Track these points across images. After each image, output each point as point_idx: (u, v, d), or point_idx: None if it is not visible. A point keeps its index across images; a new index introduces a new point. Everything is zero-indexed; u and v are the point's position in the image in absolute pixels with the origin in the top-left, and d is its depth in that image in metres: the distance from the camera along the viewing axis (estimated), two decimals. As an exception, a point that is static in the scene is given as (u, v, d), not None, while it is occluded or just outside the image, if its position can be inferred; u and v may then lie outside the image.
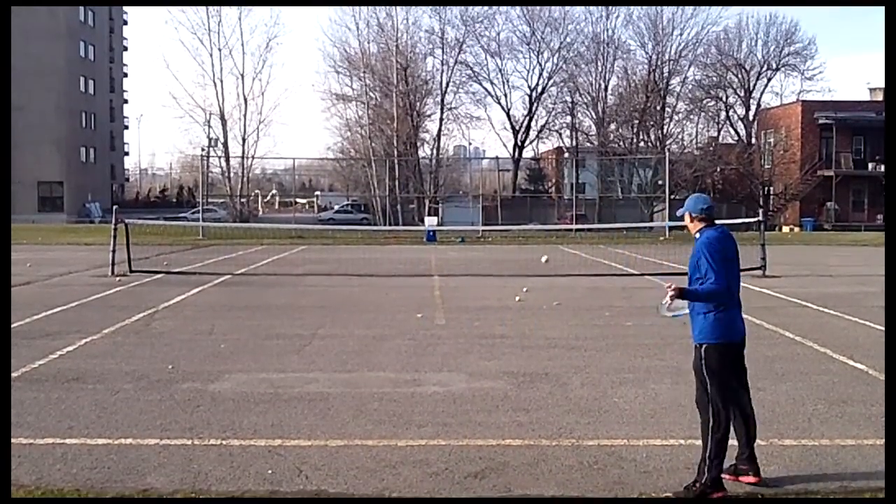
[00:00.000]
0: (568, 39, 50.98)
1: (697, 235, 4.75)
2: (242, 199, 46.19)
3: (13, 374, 7.24)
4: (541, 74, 51.99)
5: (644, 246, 27.81)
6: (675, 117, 50.98)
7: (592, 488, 4.64)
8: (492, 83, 52.69)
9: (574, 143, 51.61)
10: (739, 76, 52.78)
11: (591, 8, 51.43)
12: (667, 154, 40.40)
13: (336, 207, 56.61)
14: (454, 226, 37.96)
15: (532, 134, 54.13)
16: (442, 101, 48.85)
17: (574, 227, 36.60)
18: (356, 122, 47.20)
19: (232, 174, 45.19)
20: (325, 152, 60.73)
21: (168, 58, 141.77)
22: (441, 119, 48.96)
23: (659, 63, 49.44)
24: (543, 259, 15.75)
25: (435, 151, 48.88)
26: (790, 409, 6.31)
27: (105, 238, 20.34)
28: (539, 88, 52.00)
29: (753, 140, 52.44)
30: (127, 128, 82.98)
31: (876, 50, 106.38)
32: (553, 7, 50.83)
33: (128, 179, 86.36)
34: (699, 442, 5.41)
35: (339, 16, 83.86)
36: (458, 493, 4.56)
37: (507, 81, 53.74)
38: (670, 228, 35.77)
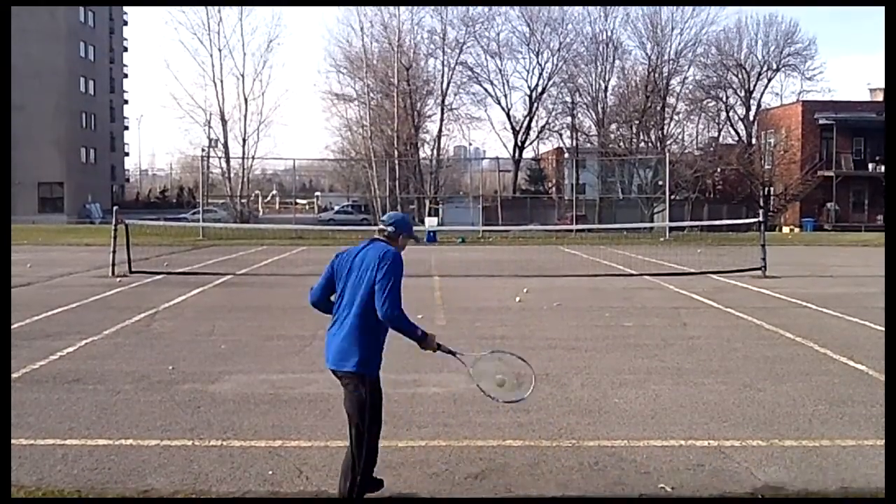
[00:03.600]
0: (567, 40, 51.13)
1: None
2: (242, 200, 46.14)
3: (14, 375, 7.25)
4: (540, 75, 52.14)
5: (644, 246, 27.81)
6: (676, 118, 51.06)
7: (592, 488, 4.64)
8: (492, 84, 52.84)
9: (574, 143, 51.62)
10: (739, 76, 52.76)
11: (590, 8, 51.64)
12: (667, 154, 40.39)
13: (336, 208, 56.63)
14: (454, 226, 37.94)
15: (532, 134, 54.30)
16: (442, 101, 48.88)
17: (574, 227, 36.62)
18: (357, 122, 47.21)
19: (232, 175, 45.13)
20: (325, 153, 60.81)
21: (168, 58, 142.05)
22: (441, 119, 49.01)
23: (658, 63, 49.47)
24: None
25: (435, 152, 48.87)
26: (790, 409, 6.32)
27: (105, 239, 20.35)
28: (539, 89, 52.13)
29: (754, 140, 52.41)
30: (127, 128, 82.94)
31: (876, 50, 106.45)
32: (552, 7, 50.97)
33: (128, 180, 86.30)
34: (699, 443, 5.46)
35: (345, 15, 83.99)
36: (458, 494, 4.57)
37: (507, 82, 54.04)
38: (671, 229, 35.85)
